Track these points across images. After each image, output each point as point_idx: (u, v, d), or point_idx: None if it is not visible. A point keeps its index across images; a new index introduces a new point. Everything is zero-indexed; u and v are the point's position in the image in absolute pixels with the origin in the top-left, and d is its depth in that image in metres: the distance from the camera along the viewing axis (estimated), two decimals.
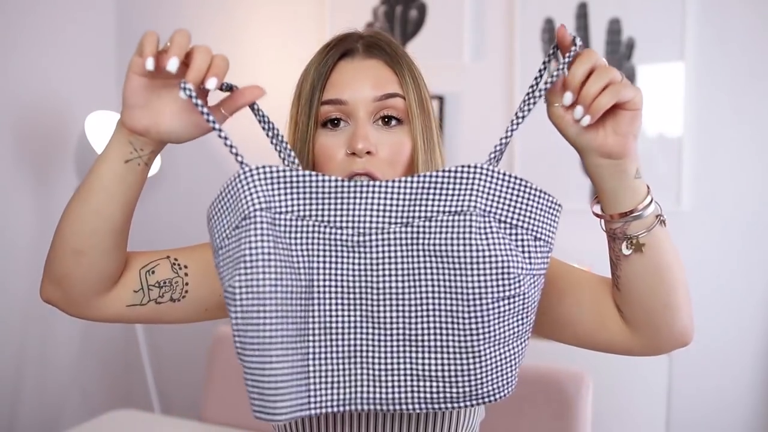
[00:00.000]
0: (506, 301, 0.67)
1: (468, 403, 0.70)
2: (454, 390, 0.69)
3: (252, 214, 0.67)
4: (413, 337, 0.68)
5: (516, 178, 0.68)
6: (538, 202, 0.69)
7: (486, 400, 0.70)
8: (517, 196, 0.68)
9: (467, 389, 0.69)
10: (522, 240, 0.69)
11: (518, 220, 0.68)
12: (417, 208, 0.68)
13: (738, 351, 1.86)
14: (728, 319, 1.86)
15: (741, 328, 1.86)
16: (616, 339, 0.81)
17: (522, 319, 0.70)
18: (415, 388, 0.69)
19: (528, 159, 2.02)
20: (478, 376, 0.68)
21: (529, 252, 0.69)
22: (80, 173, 2.12)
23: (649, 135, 1.92)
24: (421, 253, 0.67)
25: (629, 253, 0.75)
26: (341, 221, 0.69)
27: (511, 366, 0.71)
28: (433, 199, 0.67)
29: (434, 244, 0.66)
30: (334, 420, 0.88)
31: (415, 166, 0.84)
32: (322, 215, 0.69)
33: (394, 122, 0.84)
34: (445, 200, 0.67)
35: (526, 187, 0.69)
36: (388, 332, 0.69)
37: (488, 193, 0.67)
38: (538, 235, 0.70)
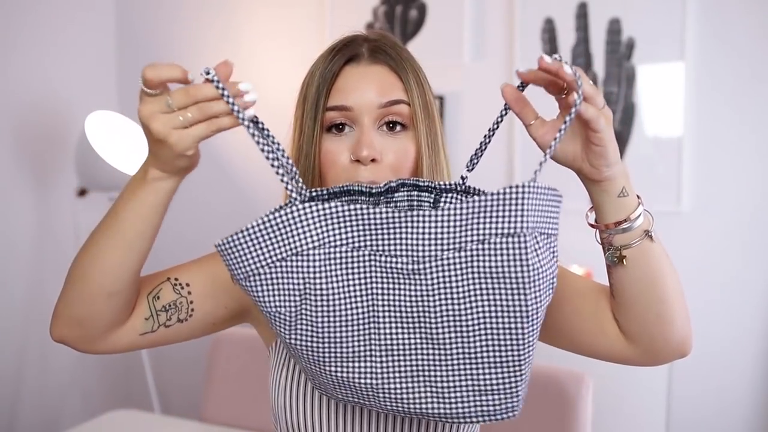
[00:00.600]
0: (544, 310, 0.71)
1: (514, 414, 0.73)
2: (509, 401, 0.72)
3: (306, 252, 0.69)
4: (472, 356, 0.70)
5: (548, 188, 0.69)
6: (556, 205, 0.71)
7: (517, 411, 0.73)
8: (549, 204, 0.69)
9: (515, 400, 0.72)
10: (552, 245, 0.71)
11: (552, 228, 0.70)
12: (469, 232, 0.68)
13: (738, 352, 1.86)
14: (728, 320, 1.86)
15: (741, 328, 1.86)
16: (614, 348, 0.81)
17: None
18: (479, 402, 0.72)
19: (528, 159, 2.02)
20: (521, 385, 0.72)
21: (555, 253, 0.72)
22: (80, 173, 2.12)
23: (649, 135, 1.91)
24: (476, 276, 0.68)
25: (612, 263, 0.76)
26: (396, 250, 0.69)
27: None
28: (485, 223, 0.68)
29: (490, 267, 0.68)
30: (336, 419, 0.88)
31: (420, 171, 0.85)
32: (377, 245, 0.70)
33: (398, 128, 0.84)
34: (497, 223, 0.67)
35: (551, 193, 0.69)
36: (449, 353, 0.71)
37: (534, 210, 0.68)
38: (557, 233, 0.72)
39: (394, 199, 0.80)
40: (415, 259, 0.69)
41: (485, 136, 0.79)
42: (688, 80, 1.86)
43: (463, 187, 0.79)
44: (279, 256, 0.69)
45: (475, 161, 0.80)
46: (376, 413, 0.87)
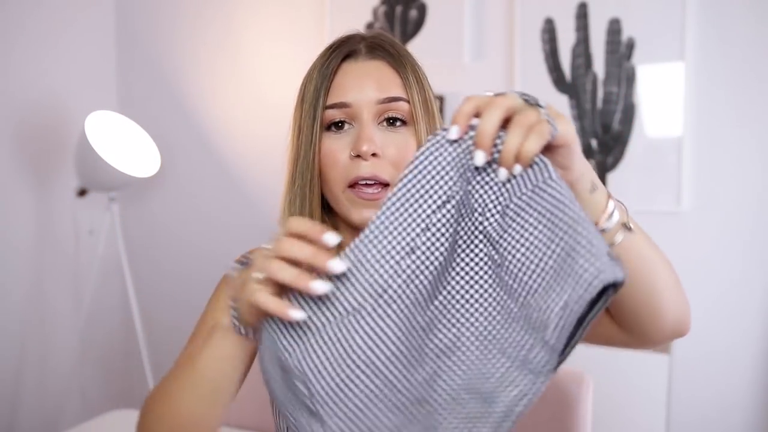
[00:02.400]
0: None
1: None
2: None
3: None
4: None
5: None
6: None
7: None
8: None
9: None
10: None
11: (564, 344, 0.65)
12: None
13: (738, 352, 1.86)
14: (728, 320, 1.86)
15: (741, 329, 1.85)
16: (609, 335, 0.80)
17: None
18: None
19: None
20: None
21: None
22: (80, 173, 2.12)
23: (649, 135, 1.91)
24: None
25: None
26: (480, 212, 0.65)
27: None
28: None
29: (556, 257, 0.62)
30: None
31: None
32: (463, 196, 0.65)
33: (399, 123, 0.83)
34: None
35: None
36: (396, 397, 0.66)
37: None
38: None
39: None
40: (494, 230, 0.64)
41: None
42: (688, 80, 1.86)
43: None
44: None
45: None
46: None
